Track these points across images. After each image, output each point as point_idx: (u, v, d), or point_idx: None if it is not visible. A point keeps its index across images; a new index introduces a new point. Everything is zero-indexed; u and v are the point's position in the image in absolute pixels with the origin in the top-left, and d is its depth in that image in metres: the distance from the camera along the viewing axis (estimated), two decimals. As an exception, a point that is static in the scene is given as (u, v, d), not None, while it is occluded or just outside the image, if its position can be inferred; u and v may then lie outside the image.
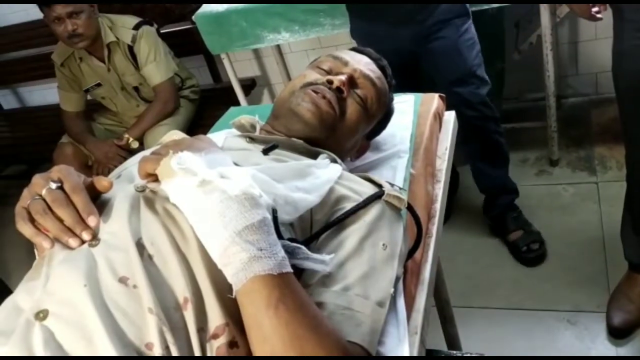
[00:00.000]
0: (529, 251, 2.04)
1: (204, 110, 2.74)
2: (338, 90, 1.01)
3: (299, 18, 2.20)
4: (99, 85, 2.52)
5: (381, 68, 1.12)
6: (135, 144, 2.44)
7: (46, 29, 2.67)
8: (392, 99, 1.17)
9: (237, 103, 2.62)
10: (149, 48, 2.38)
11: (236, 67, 2.63)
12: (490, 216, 2.19)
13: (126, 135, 2.44)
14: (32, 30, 3.20)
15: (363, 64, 1.08)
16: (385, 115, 1.15)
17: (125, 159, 2.39)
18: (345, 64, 1.07)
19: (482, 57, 1.88)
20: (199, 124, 2.62)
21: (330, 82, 1.01)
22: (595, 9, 1.44)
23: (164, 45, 2.48)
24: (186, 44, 2.77)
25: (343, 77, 1.02)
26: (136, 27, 2.38)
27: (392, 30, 1.80)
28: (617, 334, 1.70)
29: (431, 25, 1.78)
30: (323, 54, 2.38)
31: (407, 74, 1.80)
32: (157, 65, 2.41)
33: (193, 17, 2.41)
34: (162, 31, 2.60)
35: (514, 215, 2.13)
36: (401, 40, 1.81)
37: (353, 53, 1.12)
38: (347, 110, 1.03)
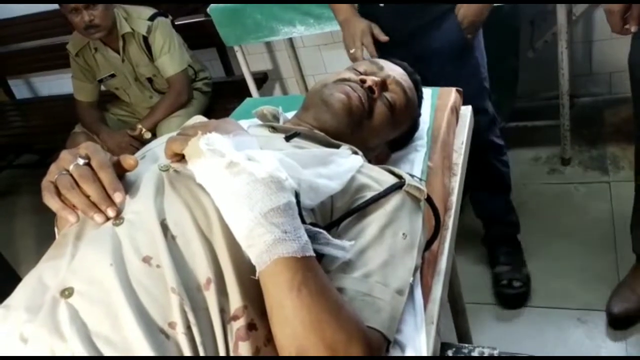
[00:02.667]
0: (509, 286, 1.89)
1: (215, 103, 2.75)
2: (370, 89, 1.04)
3: (314, 11, 2.21)
4: (112, 76, 2.53)
5: (414, 82, 1.14)
6: (147, 135, 2.45)
7: (60, 20, 2.69)
8: (419, 115, 1.20)
9: (249, 96, 2.62)
10: (164, 39, 2.39)
11: (249, 61, 2.63)
12: (487, 247, 2.07)
13: (139, 126, 2.45)
14: (45, 20, 3.21)
15: (397, 72, 1.11)
16: (411, 128, 1.18)
17: (137, 149, 2.40)
18: (381, 68, 1.10)
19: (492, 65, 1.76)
20: (211, 117, 2.62)
21: (363, 81, 1.04)
22: (627, 25, 1.44)
23: (178, 37, 2.48)
24: (199, 37, 2.78)
25: (376, 78, 1.05)
26: (151, 19, 2.39)
27: (392, 22, 1.63)
28: (616, 324, 1.71)
29: (428, 22, 1.61)
30: (336, 48, 2.37)
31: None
32: (171, 57, 2.41)
33: (207, 10, 2.42)
34: (176, 23, 2.61)
35: (508, 250, 1.99)
36: (401, 32, 1.64)
37: (389, 62, 1.14)
38: (375, 110, 1.05)
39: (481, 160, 1.76)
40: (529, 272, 1.95)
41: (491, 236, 2.03)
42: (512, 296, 1.89)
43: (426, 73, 1.28)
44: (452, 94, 1.34)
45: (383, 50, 1.60)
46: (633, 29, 1.39)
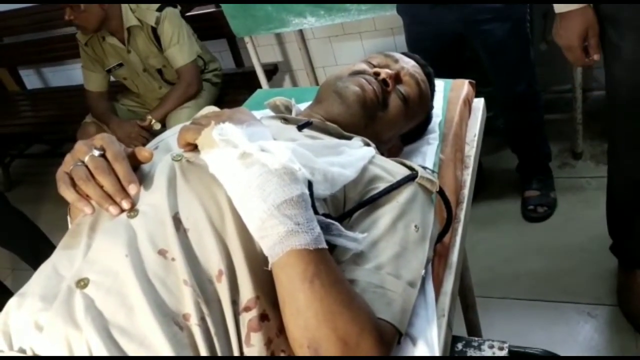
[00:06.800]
0: (534, 211, 2.17)
1: (225, 94, 2.75)
2: (384, 82, 1.04)
3: (324, 3, 2.19)
4: (121, 65, 2.53)
5: (427, 74, 1.14)
6: (157, 126, 2.46)
7: (71, 10, 2.69)
8: (432, 107, 1.20)
9: (259, 88, 2.62)
10: (173, 30, 2.39)
11: (259, 52, 2.63)
12: (520, 173, 2.30)
13: (149, 117, 2.46)
14: (56, 11, 3.22)
15: (411, 65, 1.11)
16: (424, 121, 1.18)
17: (147, 139, 2.41)
18: (395, 61, 1.10)
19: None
20: (221, 108, 2.61)
21: (377, 74, 1.04)
22: (587, 60, 1.41)
23: (187, 28, 2.48)
24: (210, 27, 2.78)
25: (390, 71, 1.05)
26: (160, 9, 2.38)
27: (438, 9, 1.83)
28: None
29: (479, 12, 1.81)
30: (346, 40, 2.35)
31: (445, 61, 1.83)
32: (180, 48, 2.41)
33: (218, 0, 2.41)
34: (186, 14, 2.60)
35: (540, 177, 2.24)
36: (446, 21, 1.85)
37: (402, 55, 1.14)
38: (390, 103, 1.05)
39: (524, 107, 2.07)
40: (557, 196, 2.20)
41: (526, 166, 2.27)
42: (535, 218, 2.16)
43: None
44: (464, 86, 1.33)
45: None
46: (596, 57, 1.37)
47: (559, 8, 1.33)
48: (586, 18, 1.31)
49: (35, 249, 2.24)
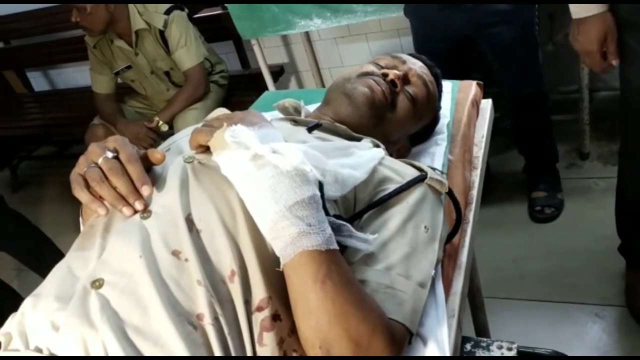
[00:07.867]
0: (541, 212, 2.17)
1: (232, 96, 2.76)
2: (392, 83, 1.05)
3: (331, 5, 2.20)
4: (129, 67, 2.55)
5: (434, 75, 1.15)
6: (165, 127, 2.46)
7: (78, 12, 2.71)
8: (440, 108, 1.21)
9: (265, 89, 2.63)
10: (180, 33, 2.40)
11: (265, 54, 2.64)
12: (527, 174, 2.30)
13: (156, 118, 2.46)
14: (63, 13, 3.23)
15: (418, 66, 1.12)
16: (432, 121, 1.19)
17: (154, 141, 2.42)
18: (402, 62, 1.11)
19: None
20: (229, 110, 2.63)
21: (385, 75, 1.05)
22: (605, 65, 1.38)
23: (194, 30, 2.49)
24: (216, 29, 2.79)
25: (398, 72, 1.06)
26: (167, 12, 2.39)
27: (446, 12, 1.84)
28: None
29: (487, 14, 1.81)
30: (352, 42, 2.35)
31: (452, 62, 1.83)
32: (187, 50, 2.42)
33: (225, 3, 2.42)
34: (193, 16, 2.61)
35: (547, 178, 2.24)
36: (454, 24, 1.86)
37: (409, 56, 1.15)
38: (398, 104, 1.06)
39: (531, 108, 2.08)
40: (564, 197, 2.20)
41: (533, 167, 2.28)
42: (542, 219, 2.16)
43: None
44: (472, 87, 1.34)
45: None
46: (614, 63, 1.36)
47: (577, 14, 1.33)
48: (605, 23, 1.30)
49: (37, 251, 2.22)
